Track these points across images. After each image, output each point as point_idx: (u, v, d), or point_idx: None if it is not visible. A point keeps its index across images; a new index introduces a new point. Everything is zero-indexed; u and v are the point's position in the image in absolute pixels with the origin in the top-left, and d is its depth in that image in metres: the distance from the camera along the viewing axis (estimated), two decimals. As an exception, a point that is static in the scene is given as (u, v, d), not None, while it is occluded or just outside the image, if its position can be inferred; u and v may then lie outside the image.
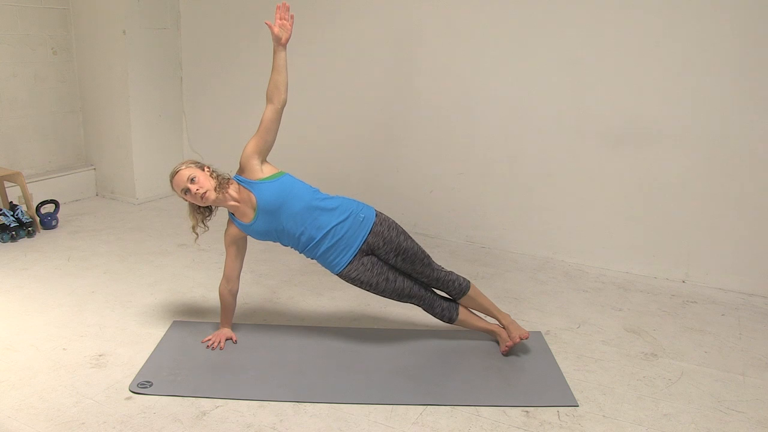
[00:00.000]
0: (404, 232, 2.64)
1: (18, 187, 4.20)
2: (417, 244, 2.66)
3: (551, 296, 3.35)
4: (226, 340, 2.72)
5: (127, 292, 3.23)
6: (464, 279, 2.73)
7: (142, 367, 2.51)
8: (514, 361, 2.66)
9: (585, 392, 2.43)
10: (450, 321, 2.72)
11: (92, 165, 5.02)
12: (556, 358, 2.68)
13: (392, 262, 2.62)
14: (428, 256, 2.68)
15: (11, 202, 4.17)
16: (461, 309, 2.73)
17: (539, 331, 2.91)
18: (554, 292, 3.40)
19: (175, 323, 2.90)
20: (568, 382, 2.49)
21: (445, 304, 2.71)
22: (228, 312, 2.75)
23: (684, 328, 3.01)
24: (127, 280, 3.39)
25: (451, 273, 2.71)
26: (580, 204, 3.78)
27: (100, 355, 2.60)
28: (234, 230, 2.62)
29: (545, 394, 2.42)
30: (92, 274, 3.45)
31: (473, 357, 2.68)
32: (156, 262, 3.66)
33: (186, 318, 2.98)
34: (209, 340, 2.70)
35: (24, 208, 4.12)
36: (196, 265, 3.63)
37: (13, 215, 3.98)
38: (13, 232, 3.91)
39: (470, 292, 2.72)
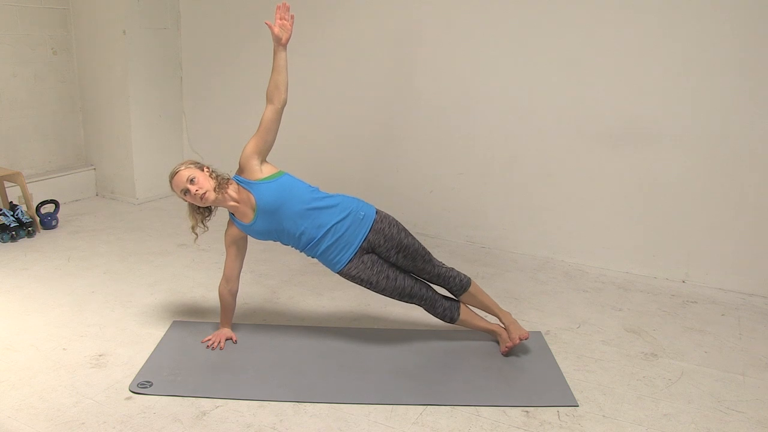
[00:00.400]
0: (405, 229, 2.65)
1: (18, 187, 4.19)
2: (417, 240, 2.66)
3: (551, 296, 3.35)
4: (226, 340, 2.72)
5: (127, 292, 3.23)
6: (465, 275, 2.73)
7: (142, 367, 2.51)
8: (514, 361, 2.66)
9: (585, 392, 2.43)
10: (451, 321, 2.72)
11: (92, 165, 5.02)
12: (556, 358, 2.68)
13: (393, 259, 2.62)
14: (429, 253, 2.68)
15: (11, 202, 4.17)
16: (462, 309, 2.73)
17: (539, 331, 2.91)
18: (554, 292, 3.40)
19: (175, 323, 2.90)
20: (568, 382, 2.49)
21: (447, 303, 2.71)
22: (228, 312, 2.75)
23: (684, 328, 3.01)
24: (127, 280, 3.39)
25: (452, 269, 2.72)
26: (580, 204, 3.78)
27: (100, 355, 2.60)
28: (234, 230, 2.62)
29: (545, 394, 2.41)
30: (92, 274, 3.45)
31: (473, 357, 2.68)
32: (156, 262, 3.66)
33: (186, 318, 2.98)
34: (209, 340, 2.70)
35: (24, 208, 4.12)
36: (196, 265, 3.63)
37: (13, 215, 3.98)
38: (13, 232, 3.91)
39: (471, 289, 2.72)
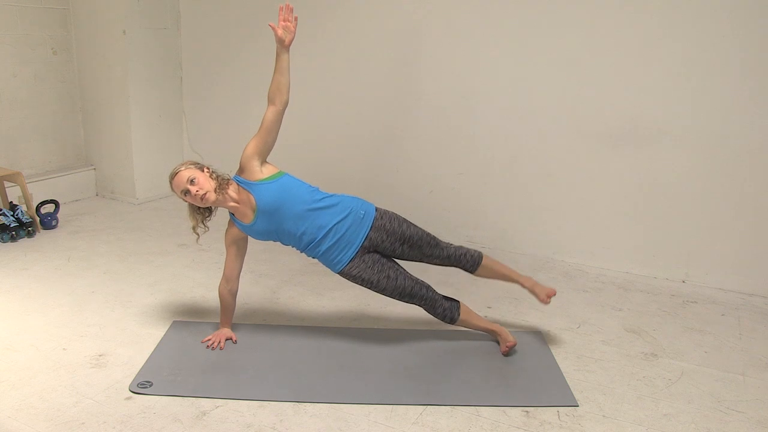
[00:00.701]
0: (406, 221, 2.66)
1: (18, 187, 4.19)
2: (420, 228, 2.68)
3: (551, 296, 3.35)
4: (226, 340, 2.72)
5: (127, 292, 3.23)
6: (475, 251, 2.75)
7: (142, 367, 2.51)
8: (514, 361, 2.66)
9: (585, 392, 2.43)
10: (452, 321, 2.71)
11: (92, 165, 5.02)
12: (556, 358, 2.68)
13: (399, 252, 2.62)
14: (434, 237, 2.69)
15: (11, 202, 4.17)
16: (462, 309, 2.72)
17: (539, 331, 2.91)
18: (554, 292, 3.40)
19: (175, 323, 2.90)
20: (568, 382, 2.49)
21: (447, 304, 2.70)
22: (228, 312, 2.75)
23: (684, 328, 3.01)
24: (127, 280, 3.39)
25: (460, 248, 2.73)
26: (580, 204, 3.78)
27: (100, 355, 2.60)
28: (234, 230, 2.62)
29: (545, 394, 2.42)
30: (92, 274, 3.45)
31: (473, 357, 2.68)
32: (156, 262, 3.66)
33: (186, 318, 2.98)
34: (209, 340, 2.70)
35: (24, 208, 4.12)
36: (196, 265, 3.63)
37: (13, 215, 3.98)
38: (13, 232, 3.91)
39: (485, 262, 2.74)
